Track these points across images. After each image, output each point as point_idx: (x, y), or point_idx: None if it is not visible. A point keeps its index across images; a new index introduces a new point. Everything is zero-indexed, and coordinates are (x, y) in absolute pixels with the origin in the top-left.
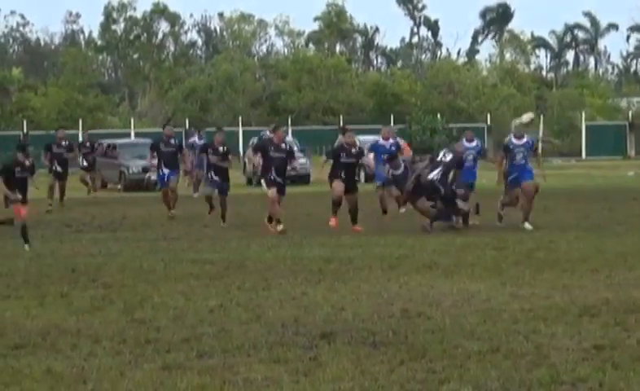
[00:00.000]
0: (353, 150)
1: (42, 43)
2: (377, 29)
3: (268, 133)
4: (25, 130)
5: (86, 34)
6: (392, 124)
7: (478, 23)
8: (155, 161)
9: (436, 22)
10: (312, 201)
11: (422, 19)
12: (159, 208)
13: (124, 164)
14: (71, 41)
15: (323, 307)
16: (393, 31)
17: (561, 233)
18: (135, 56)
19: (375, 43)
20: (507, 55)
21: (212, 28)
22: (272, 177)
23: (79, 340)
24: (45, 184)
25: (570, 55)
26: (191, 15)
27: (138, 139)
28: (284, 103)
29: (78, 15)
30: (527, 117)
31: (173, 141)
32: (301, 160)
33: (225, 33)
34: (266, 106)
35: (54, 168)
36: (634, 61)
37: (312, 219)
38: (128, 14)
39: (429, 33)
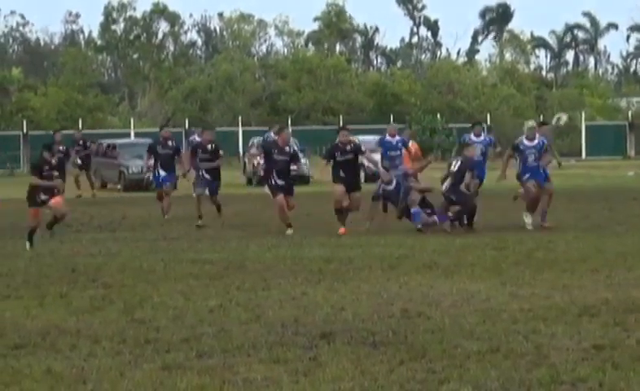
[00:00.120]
0: (348, 147)
1: (42, 43)
2: (377, 29)
3: (272, 134)
4: (25, 130)
5: (86, 34)
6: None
7: (478, 23)
8: (152, 162)
9: (435, 22)
10: (312, 201)
11: (421, 19)
12: (158, 209)
13: (123, 164)
14: (71, 41)
15: (323, 307)
16: (393, 31)
17: (561, 233)
18: (135, 56)
19: (375, 43)
20: (507, 55)
21: (212, 28)
22: (274, 182)
23: (79, 340)
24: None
25: (570, 55)
26: (191, 15)
27: (138, 139)
28: (284, 103)
29: (78, 15)
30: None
31: (170, 143)
32: (302, 160)
33: (224, 33)
34: (266, 106)
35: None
36: (634, 61)
37: (312, 219)
38: (128, 14)
39: (429, 33)
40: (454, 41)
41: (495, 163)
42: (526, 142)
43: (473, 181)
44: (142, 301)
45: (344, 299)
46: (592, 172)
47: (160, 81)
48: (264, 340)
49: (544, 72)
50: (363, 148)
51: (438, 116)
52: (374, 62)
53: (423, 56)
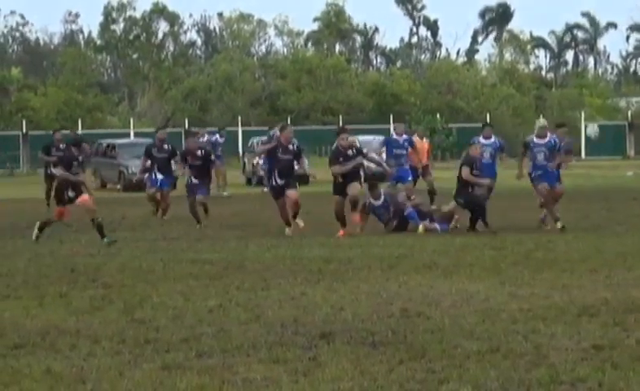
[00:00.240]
0: (350, 152)
1: (42, 43)
2: (376, 29)
3: (278, 132)
4: (25, 130)
5: (86, 34)
6: (391, 124)
7: (477, 23)
8: (148, 164)
9: (435, 22)
10: (311, 201)
11: (421, 19)
12: (153, 209)
13: (123, 164)
14: (70, 40)
15: (322, 307)
16: (392, 31)
17: (560, 233)
18: (134, 56)
19: (375, 43)
20: (507, 55)
21: (212, 27)
22: (274, 183)
23: (78, 340)
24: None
25: (569, 55)
26: (191, 15)
27: (138, 139)
28: (283, 103)
29: (77, 15)
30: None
31: (166, 146)
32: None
33: (224, 33)
34: (266, 106)
35: (49, 171)
36: (634, 61)
37: (311, 219)
38: (127, 14)
39: (428, 33)
40: (454, 41)
41: (505, 163)
42: (536, 140)
43: (483, 180)
44: (141, 301)
45: (343, 299)
46: (591, 172)
47: (159, 81)
48: (263, 340)
49: (543, 72)
50: (365, 150)
51: (438, 116)
52: (374, 62)
53: (423, 56)
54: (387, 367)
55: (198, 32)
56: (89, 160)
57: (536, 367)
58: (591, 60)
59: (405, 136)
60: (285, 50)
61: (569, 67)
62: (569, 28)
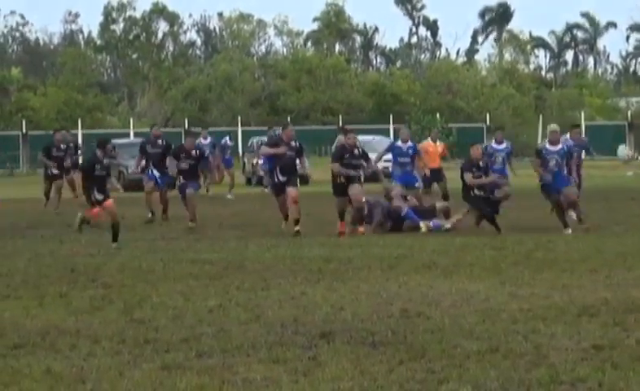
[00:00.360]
0: (356, 151)
1: (42, 43)
2: (376, 29)
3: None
4: (25, 130)
5: (85, 34)
6: (391, 124)
7: (477, 23)
8: (144, 162)
9: (435, 22)
10: (311, 201)
11: (421, 18)
12: (158, 209)
13: (123, 163)
14: (70, 40)
15: (322, 307)
16: (392, 31)
17: (560, 233)
18: (134, 56)
19: (374, 43)
20: (507, 55)
21: (212, 27)
22: (276, 180)
23: (78, 340)
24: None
25: (569, 55)
26: (190, 15)
27: (137, 139)
28: (283, 103)
29: (77, 15)
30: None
31: (160, 142)
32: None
33: (224, 33)
34: (265, 106)
35: (49, 171)
36: (633, 61)
37: (311, 219)
38: (127, 14)
39: (428, 33)
40: (454, 41)
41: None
42: (549, 146)
43: (486, 180)
44: (141, 301)
45: (343, 299)
46: (591, 172)
47: (159, 81)
48: (263, 340)
49: (543, 72)
50: (370, 157)
51: (437, 115)
52: (374, 62)
53: (423, 56)
54: (387, 367)
55: (198, 32)
56: (114, 161)
57: (536, 367)
58: (591, 60)
59: (409, 143)
60: (285, 50)
61: (569, 67)
62: (569, 28)
